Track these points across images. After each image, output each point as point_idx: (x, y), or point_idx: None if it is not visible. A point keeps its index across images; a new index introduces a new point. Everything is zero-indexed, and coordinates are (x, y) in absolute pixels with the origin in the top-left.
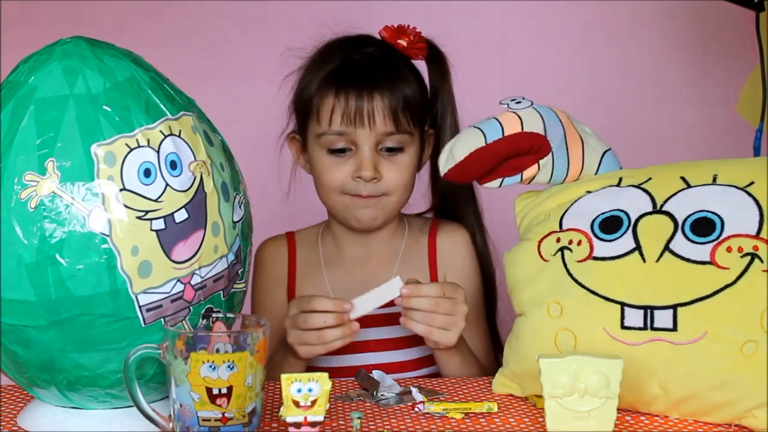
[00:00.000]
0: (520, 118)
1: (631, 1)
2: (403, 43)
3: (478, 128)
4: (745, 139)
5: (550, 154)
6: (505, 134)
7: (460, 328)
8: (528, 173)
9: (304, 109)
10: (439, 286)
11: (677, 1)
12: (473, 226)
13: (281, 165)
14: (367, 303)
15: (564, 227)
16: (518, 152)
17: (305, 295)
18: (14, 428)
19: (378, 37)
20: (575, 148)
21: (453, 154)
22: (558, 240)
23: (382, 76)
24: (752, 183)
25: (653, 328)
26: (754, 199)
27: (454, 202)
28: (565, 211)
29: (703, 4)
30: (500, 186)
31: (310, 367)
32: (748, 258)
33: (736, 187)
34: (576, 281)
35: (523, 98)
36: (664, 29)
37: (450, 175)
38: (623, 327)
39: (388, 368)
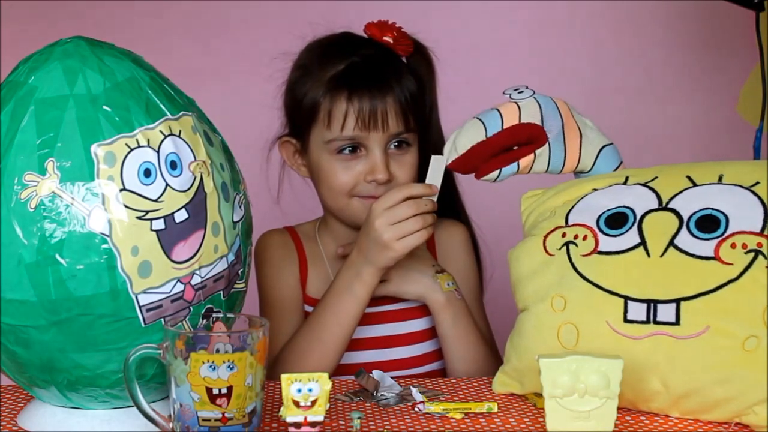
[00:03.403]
0: (519, 108)
1: (630, 1)
2: (389, 39)
3: (480, 120)
4: (745, 139)
5: (547, 144)
6: (504, 125)
7: (393, 280)
8: (524, 162)
9: (307, 114)
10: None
11: (677, 1)
12: (466, 222)
13: (269, 168)
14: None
15: (570, 223)
16: (517, 143)
17: (386, 194)
18: (14, 428)
19: (356, 34)
20: (573, 140)
21: (456, 146)
22: (564, 235)
23: (389, 78)
24: (757, 183)
25: (656, 322)
26: (759, 198)
27: (444, 203)
28: (572, 208)
29: (703, 4)
30: (497, 178)
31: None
32: (752, 254)
33: (742, 187)
34: (580, 275)
35: (526, 87)
36: (664, 29)
37: (453, 166)
38: (626, 321)
39: (394, 365)
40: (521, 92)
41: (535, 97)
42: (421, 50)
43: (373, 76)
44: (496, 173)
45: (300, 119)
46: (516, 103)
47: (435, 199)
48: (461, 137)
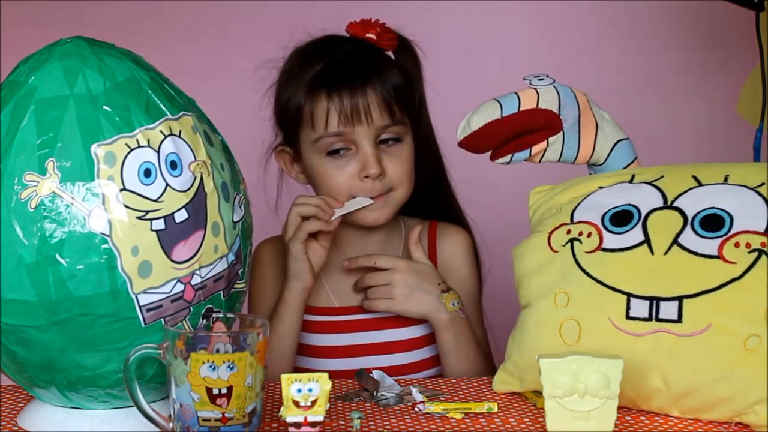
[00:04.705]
0: (537, 93)
1: (630, 2)
2: (372, 36)
3: (497, 101)
4: (745, 139)
5: (561, 133)
6: (521, 109)
7: (397, 298)
8: (536, 149)
9: (293, 119)
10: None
11: (678, 1)
12: (464, 223)
13: (267, 179)
14: (340, 211)
15: (575, 220)
16: (532, 128)
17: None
18: (14, 428)
19: (338, 35)
20: (588, 131)
21: (470, 123)
22: (568, 231)
23: (370, 70)
24: (762, 184)
25: (658, 319)
26: (764, 198)
27: (436, 199)
28: (577, 205)
29: (703, 4)
30: (510, 162)
31: (315, 369)
32: (756, 254)
33: (747, 187)
34: (584, 271)
35: (547, 75)
36: (664, 29)
37: (465, 143)
38: (628, 317)
39: (392, 371)
40: (541, 79)
41: (554, 85)
42: (406, 45)
43: (351, 71)
44: (508, 157)
45: (288, 125)
46: (535, 88)
47: (331, 218)
48: (476, 115)
